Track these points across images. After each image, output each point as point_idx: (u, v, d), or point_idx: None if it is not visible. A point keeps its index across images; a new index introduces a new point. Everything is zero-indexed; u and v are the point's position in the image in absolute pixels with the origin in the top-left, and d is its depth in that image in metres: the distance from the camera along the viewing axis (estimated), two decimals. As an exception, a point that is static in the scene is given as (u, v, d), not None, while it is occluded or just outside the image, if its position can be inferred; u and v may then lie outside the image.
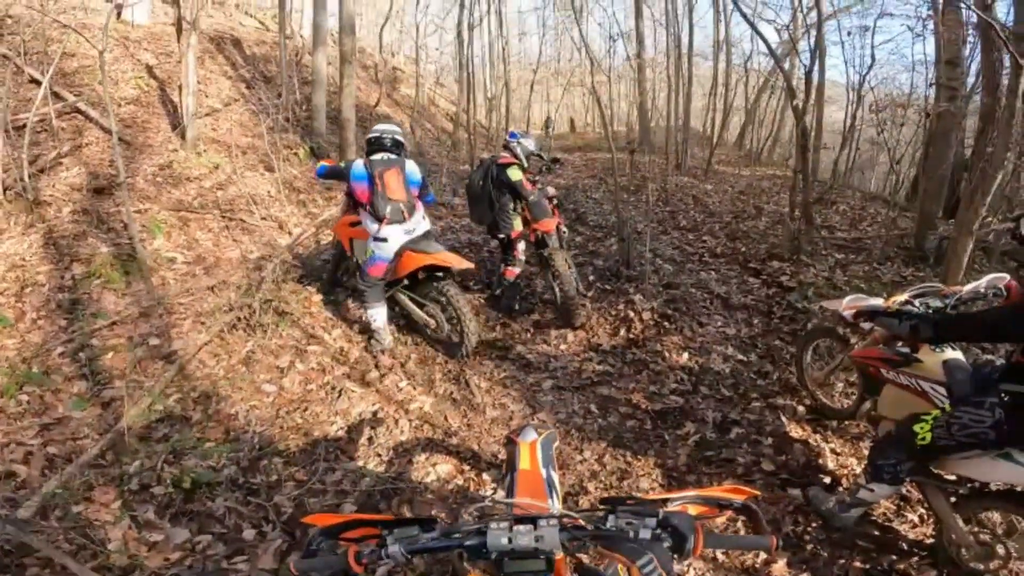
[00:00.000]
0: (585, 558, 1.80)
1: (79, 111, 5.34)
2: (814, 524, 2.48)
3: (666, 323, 3.74)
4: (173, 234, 4.35)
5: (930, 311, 2.17)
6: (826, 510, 2.37)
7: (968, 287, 2.25)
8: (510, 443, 1.78)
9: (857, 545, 2.37)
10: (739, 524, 2.41)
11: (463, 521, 1.15)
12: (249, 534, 2.15)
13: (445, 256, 3.24)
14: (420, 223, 3.30)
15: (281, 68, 7.37)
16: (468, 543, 0.99)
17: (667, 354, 3.52)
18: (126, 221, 3.97)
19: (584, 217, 6.03)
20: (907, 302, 2.21)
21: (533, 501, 1.38)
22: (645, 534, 0.99)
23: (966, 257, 3.58)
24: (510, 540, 0.98)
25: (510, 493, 1.54)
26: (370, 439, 2.83)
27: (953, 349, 2.18)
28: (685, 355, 3.50)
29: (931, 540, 2.34)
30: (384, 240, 3.19)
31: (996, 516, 2.06)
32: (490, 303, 4.05)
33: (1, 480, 2.27)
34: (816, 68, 5.49)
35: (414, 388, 3.20)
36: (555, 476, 1.60)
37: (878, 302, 2.31)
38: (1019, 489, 1.95)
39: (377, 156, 3.25)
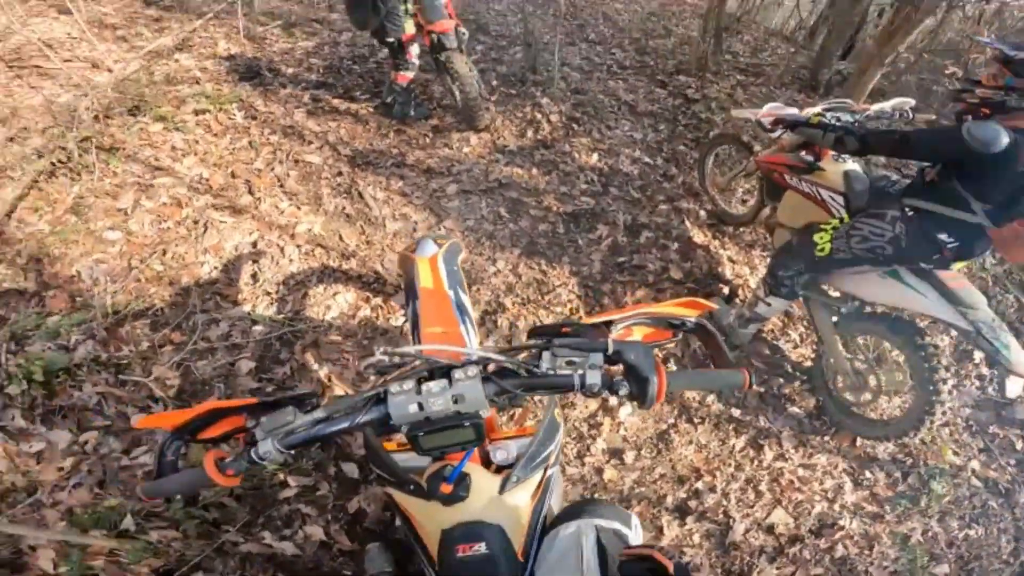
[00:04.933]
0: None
1: None
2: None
3: (574, 125, 3.51)
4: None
5: (840, 123, 2.14)
6: (727, 325, 2.40)
7: (876, 106, 2.28)
8: (406, 262, 1.44)
9: (753, 365, 2.42)
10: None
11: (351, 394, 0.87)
12: (138, 419, 1.79)
13: None
14: None
15: None
16: (364, 419, 0.76)
17: (576, 155, 3.33)
18: None
19: (485, 27, 5.34)
20: (820, 114, 2.18)
21: (443, 345, 1.04)
22: (594, 378, 0.76)
23: (871, 84, 3.82)
24: (421, 406, 0.74)
25: (415, 327, 1.24)
26: (254, 276, 2.45)
27: (854, 161, 2.22)
28: (595, 156, 3.34)
29: (810, 363, 2.44)
30: None
31: (870, 343, 2.19)
32: (381, 111, 3.47)
33: None
34: None
35: (298, 208, 2.79)
36: (465, 298, 1.31)
37: (795, 111, 2.27)
38: (895, 313, 2.05)
39: None
